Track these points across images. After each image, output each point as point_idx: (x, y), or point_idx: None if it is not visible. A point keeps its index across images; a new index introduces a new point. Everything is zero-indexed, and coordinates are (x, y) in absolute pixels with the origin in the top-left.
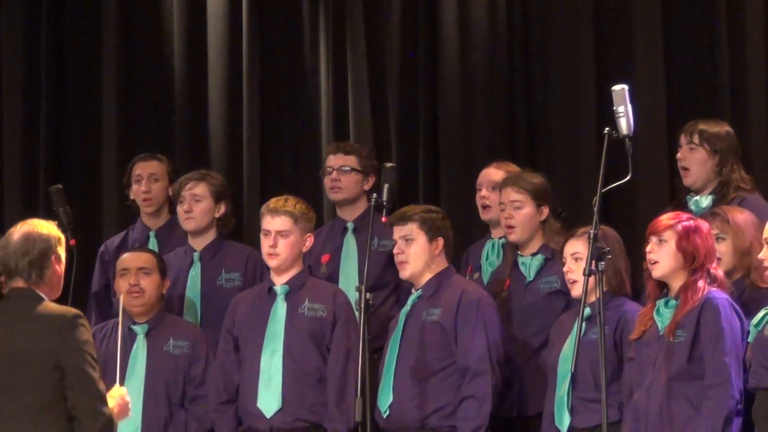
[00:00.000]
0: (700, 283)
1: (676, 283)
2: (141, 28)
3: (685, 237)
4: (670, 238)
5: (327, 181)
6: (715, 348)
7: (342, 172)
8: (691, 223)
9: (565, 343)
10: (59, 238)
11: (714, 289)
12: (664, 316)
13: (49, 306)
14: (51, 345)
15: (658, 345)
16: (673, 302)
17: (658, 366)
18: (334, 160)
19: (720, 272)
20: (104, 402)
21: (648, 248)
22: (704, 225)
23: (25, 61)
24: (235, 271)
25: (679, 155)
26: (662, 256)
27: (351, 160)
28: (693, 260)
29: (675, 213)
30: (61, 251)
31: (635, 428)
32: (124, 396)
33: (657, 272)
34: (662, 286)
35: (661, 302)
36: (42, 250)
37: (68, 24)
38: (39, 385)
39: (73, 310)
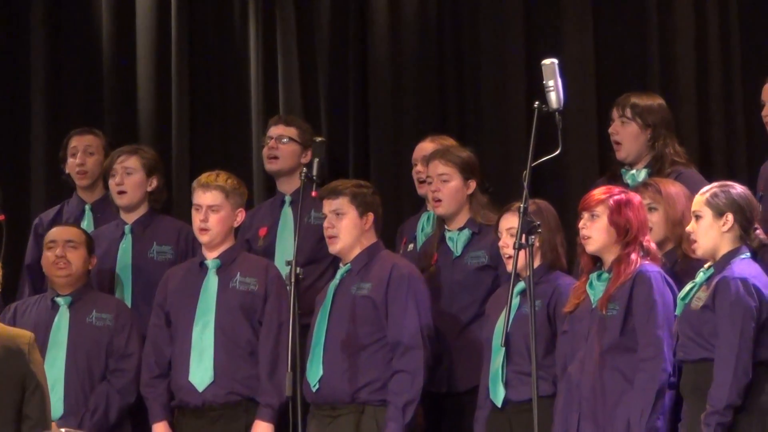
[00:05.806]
0: (633, 256)
1: (609, 257)
2: (69, 3)
3: (617, 211)
4: (603, 213)
5: (265, 151)
6: (647, 321)
7: (280, 142)
8: (623, 196)
9: (500, 317)
10: None
11: (647, 262)
12: (596, 289)
13: (5, 328)
14: (18, 365)
15: (591, 318)
16: (605, 275)
17: (591, 339)
18: (274, 130)
19: (653, 245)
20: (47, 426)
21: (581, 224)
22: (636, 197)
23: None
24: (167, 244)
25: (611, 129)
26: (595, 231)
27: (291, 131)
28: (626, 234)
29: (606, 187)
30: None
31: (569, 401)
32: None
33: (590, 247)
34: (596, 260)
35: (593, 275)
36: None
37: None
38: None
39: (29, 333)
